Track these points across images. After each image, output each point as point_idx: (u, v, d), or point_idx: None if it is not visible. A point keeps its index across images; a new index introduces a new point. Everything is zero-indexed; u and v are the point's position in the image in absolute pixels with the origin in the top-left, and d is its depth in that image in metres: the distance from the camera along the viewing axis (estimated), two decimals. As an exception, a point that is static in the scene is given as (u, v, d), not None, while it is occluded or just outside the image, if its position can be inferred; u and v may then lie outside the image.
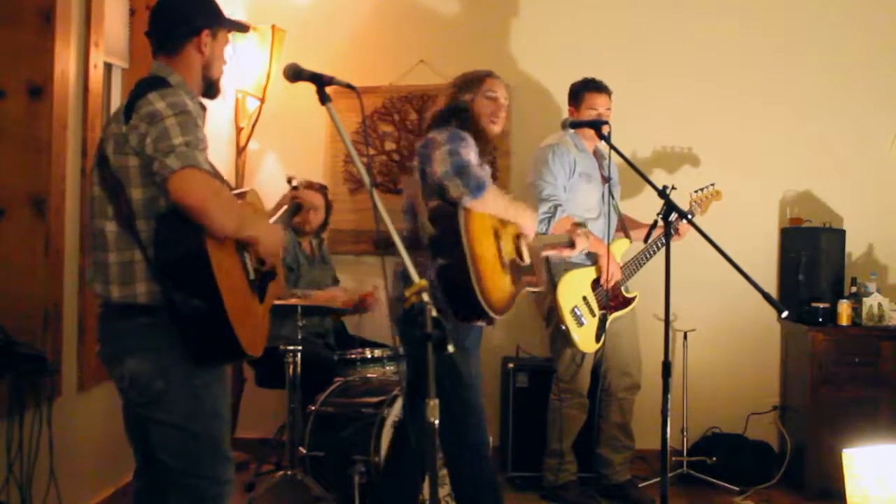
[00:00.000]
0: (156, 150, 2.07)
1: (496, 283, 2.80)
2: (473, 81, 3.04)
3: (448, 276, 2.70)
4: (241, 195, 2.51)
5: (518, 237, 3.05)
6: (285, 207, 2.82)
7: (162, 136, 2.08)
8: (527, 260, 3.06)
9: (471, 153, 2.83)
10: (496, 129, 3.04)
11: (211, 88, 2.40)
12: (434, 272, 2.72)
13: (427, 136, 2.93)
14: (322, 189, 4.33)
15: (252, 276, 2.32)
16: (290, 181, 3.01)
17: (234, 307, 2.13)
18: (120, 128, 2.16)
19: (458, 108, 2.99)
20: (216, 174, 2.35)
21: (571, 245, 3.25)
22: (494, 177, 3.07)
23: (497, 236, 2.90)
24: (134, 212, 2.15)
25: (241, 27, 2.54)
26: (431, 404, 1.82)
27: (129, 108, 2.15)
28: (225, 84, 4.62)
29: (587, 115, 3.87)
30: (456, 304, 2.71)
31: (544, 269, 3.28)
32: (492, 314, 2.73)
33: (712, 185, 4.06)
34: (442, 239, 2.74)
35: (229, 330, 2.11)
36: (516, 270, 2.97)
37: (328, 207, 4.33)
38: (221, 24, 2.38)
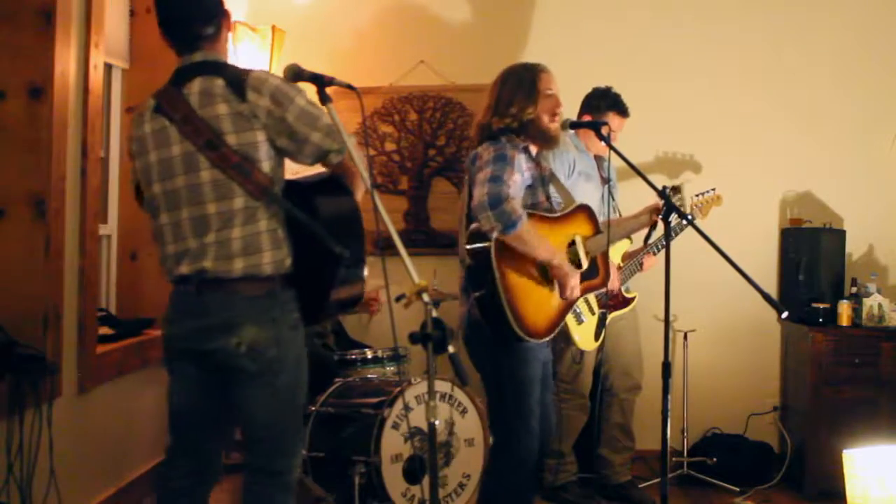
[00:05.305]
0: (314, 128, 2.25)
1: (534, 308, 2.87)
2: (528, 82, 2.98)
3: (483, 306, 2.85)
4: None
5: (572, 243, 3.04)
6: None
7: (306, 114, 2.25)
8: (585, 264, 3.05)
9: (515, 176, 2.80)
10: (556, 125, 3.00)
11: None
12: (472, 301, 2.88)
13: (476, 150, 2.94)
14: None
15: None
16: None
17: None
18: (236, 107, 2.22)
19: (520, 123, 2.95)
20: None
21: None
22: (546, 178, 3.09)
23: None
24: (273, 182, 2.27)
25: None
26: (431, 405, 1.83)
27: (240, 87, 2.22)
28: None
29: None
30: (494, 331, 2.85)
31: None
32: (529, 339, 2.85)
33: (713, 189, 4.06)
34: (476, 271, 2.86)
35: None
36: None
37: None
38: None
